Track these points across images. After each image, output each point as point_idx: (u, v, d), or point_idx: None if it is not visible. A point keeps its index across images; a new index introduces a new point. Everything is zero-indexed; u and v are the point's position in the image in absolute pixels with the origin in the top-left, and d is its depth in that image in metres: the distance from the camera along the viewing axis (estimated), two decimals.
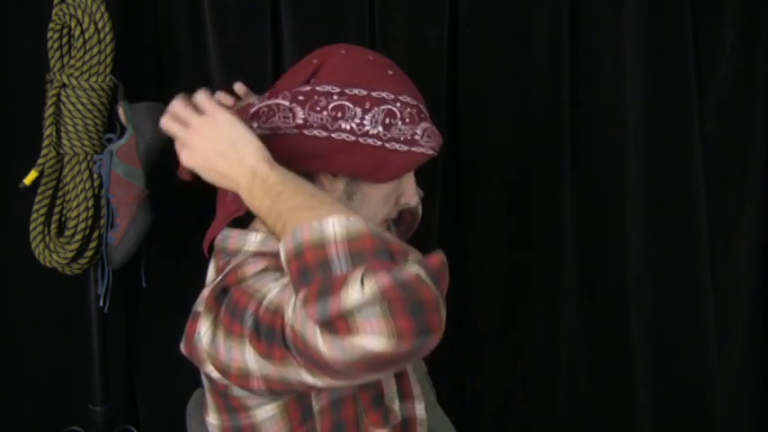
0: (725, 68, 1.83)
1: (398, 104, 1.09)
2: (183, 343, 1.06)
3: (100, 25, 1.52)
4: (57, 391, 1.79)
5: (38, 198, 1.58)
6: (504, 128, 1.78)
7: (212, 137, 1.00)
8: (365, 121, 1.07)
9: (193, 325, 1.03)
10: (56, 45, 1.55)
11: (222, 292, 1.00)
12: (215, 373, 1.01)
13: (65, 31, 1.55)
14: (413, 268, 0.84)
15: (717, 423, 1.89)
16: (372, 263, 0.85)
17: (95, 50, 1.53)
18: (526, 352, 1.86)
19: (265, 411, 1.05)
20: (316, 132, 1.07)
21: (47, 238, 1.59)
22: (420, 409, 1.11)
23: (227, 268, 1.06)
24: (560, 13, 1.75)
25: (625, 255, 1.82)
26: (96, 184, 1.58)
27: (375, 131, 1.08)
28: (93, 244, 1.61)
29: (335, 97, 1.07)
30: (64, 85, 1.54)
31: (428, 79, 1.71)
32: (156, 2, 1.72)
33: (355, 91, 1.08)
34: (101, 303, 1.65)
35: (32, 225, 1.59)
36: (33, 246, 1.59)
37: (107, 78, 1.56)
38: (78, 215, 1.57)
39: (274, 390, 0.96)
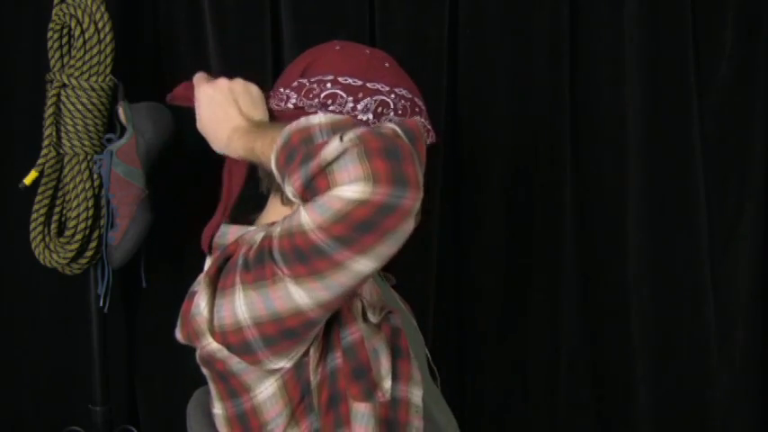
0: (725, 68, 1.83)
1: (393, 96, 1.09)
2: (179, 327, 1.07)
3: (100, 25, 1.52)
4: (57, 391, 1.79)
5: (38, 198, 1.58)
6: (504, 128, 1.78)
7: (215, 94, 1.07)
8: (357, 109, 1.07)
9: (189, 303, 1.05)
10: (56, 45, 1.55)
11: (225, 262, 1.01)
12: (214, 344, 1.01)
13: (65, 31, 1.55)
14: (389, 125, 0.87)
15: (717, 423, 1.89)
16: (352, 128, 0.88)
17: (95, 50, 1.53)
18: (526, 352, 1.86)
19: (265, 389, 1.04)
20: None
21: (47, 238, 1.59)
22: (416, 395, 1.09)
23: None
24: (560, 13, 1.75)
25: (625, 255, 1.83)
26: (96, 184, 1.58)
27: (365, 118, 1.07)
28: (93, 244, 1.61)
29: (329, 86, 1.07)
30: (64, 85, 1.54)
31: (428, 79, 1.71)
32: (156, 2, 1.72)
33: (350, 81, 1.08)
34: (101, 303, 1.65)
35: (32, 225, 1.59)
36: (33, 246, 1.59)
37: (107, 78, 1.56)
38: (78, 215, 1.57)
39: (267, 335, 0.96)
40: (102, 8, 1.53)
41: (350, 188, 0.82)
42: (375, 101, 1.08)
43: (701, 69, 1.81)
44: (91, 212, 1.58)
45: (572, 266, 1.82)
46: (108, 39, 1.53)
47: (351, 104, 1.07)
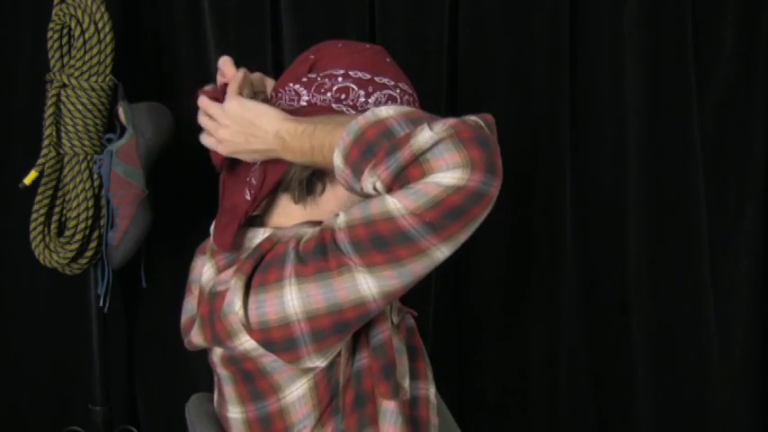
0: (725, 68, 1.83)
1: (398, 91, 1.10)
2: (200, 329, 1.04)
3: (100, 25, 1.52)
4: (57, 391, 1.79)
5: (38, 198, 1.58)
6: (504, 128, 1.77)
7: (233, 124, 1.05)
8: (368, 103, 1.07)
9: (215, 303, 1.01)
10: (56, 45, 1.55)
11: (260, 260, 1.00)
12: (250, 342, 0.98)
13: (65, 31, 1.55)
14: (471, 117, 0.90)
15: (717, 423, 1.89)
16: (431, 119, 0.90)
17: (95, 50, 1.53)
18: (526, 352, 1.86)
19: (296, 389, 1.03)
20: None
21: (47, 238, 1.59)
22: (432, 392, 1.11)
23: (253, 250, 1.04)
24: (560, 13, 1.75)
25: (625, 255, 1.83)
26: (96, 184, 1.58)
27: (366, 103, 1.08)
28: (93, 244, 1.61)
29: (340, 79, 1.07)
30: (64, 85, 1.54)
31: (428, 79, 1.71)
32: (156, 2, 1.72)
33: (359, 74, 1.08)
34: (101, 303, 1.65)
35: (32, 225, 1.59)
36: (33, 246, 1.59)
37: (107, 78, 1.56)
38: (78, 215, 1.57)
39: (319, 328, 0.95)
40: (102, 8, 1.53)
41: (447, 174, 0.85)
42: (384, 95, 1.08)
43: (701, 69, 1.81)
44: (91, 212, 1.58)
45: (572, 266, 1.82)
46: (108, 39, 1.54)
47: (363, 98, 1.07)
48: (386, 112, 0.92)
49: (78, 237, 1.58)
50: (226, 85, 1.11)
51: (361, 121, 0.92)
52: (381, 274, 0.91)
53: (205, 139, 1.10)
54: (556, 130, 1.78)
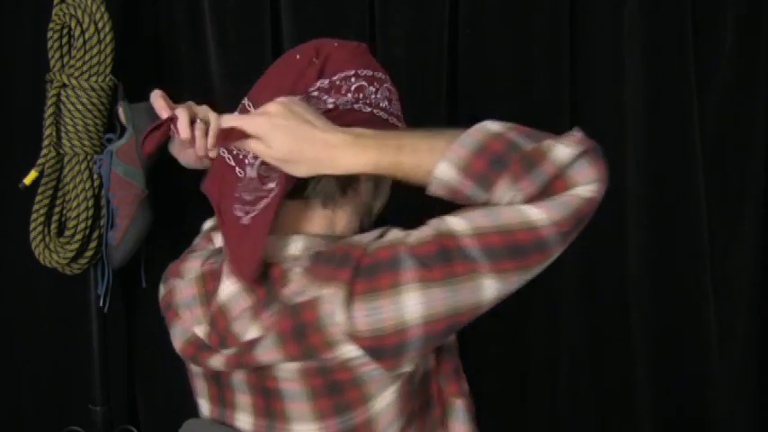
0: (725, 68, 1.83)
1: (389, 83, 1.13)
2: (276, 345, 0.99)
3: (100, 25, 1.53)
4: (57, 391, 1.79)
5: (38, 198, 1.58)
6: None
7: (280, 134, 0.99)
8: (377, 98, 1.10)
9: (305, 314, 0.97)
10: (56, 45, 1.55)
11: (358, 266, 0.97)
12: (352, 352, 0.96)
13: (65, 31, 1.55)
14: (575, 131, 0.99)
15: (717, 423, 1.89)
16: (546, 135, 0.98)
17: (95, 50, 1.53)
18: (526, 352, 1.86)
19: (386, 397, 1.02)
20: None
21: (47, 238, 1.59)
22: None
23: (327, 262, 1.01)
24: (560, 13, 1.75)
25: (625, 254, 1.82)
26: (96, 184, 1.58)
27: (383, 105, 1.11)
28: (93, 244, 1.61)
29: (353, 80, 1.09)
30: (64, 85, 1.54)
31: (428, 79, 1.71)
32: (156, 2, 1.72)
33: (365, 72, 1.10)
34: (101, 303, 1.65)
35: (32, 225, 1.59)
36: (33, 246, 1.59)
37: (107, 78, 1.56)
38: (78, 215, 1.57)
39: (433, 332, 0.97)
40: (102, 8, 1.53)
41: (586, 188, 0.95)
42: (385, 89, 1.12)
43: (701, 69, 1.81)
44: (91, 212, 1.58)
45: (572, 266, 1.82)
46: (108, 39, 1.54)
47: (373, 95, 1.09)
48: (495, 125, 0.98)
49: (78, 237, 1.58)
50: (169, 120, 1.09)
51: (477, 134, 0.97)
52: (508, 279, 0.96)
53: (253, 145, 1.01)
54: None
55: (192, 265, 1.16)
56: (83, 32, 1.52)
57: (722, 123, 1.85)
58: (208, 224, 1.33)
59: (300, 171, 1.01)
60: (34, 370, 1.79)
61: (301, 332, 0.98)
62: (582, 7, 1.76)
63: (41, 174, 1.58)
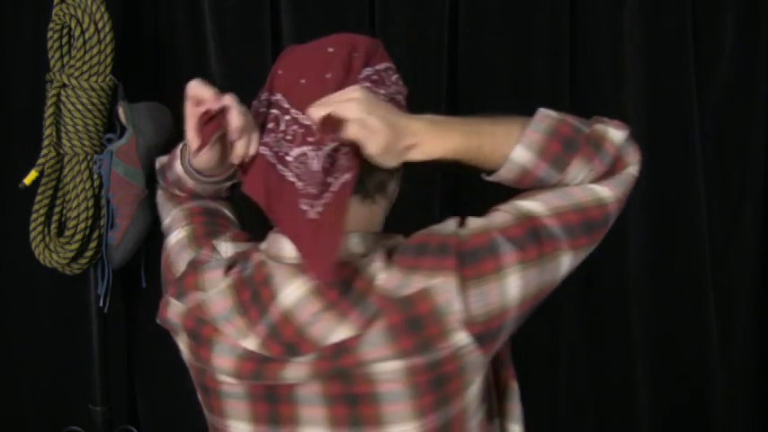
0: (725, 68, 1.83)
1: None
2: (387, 341, 0.96)
3: (100, 25, 1.53)
4: (57, 391, 1.79)
5: (38, 198, 1.59)
6: None
7: (379, 111, 0.97)
8: (399, 84, 1.12)
9: (419, 306, 0.96)
10: (56, 45, 1.55)
11: (460, 253, 0.98)
12: (464, 340, 0.97)
13: (65, 31, 1.55)
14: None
15: (717, 423, 1.89)
16: (591, 120, 1.08)
17: (95, 50, 1.53)
18: (526, 352, 1.85)
19: (476, 385, 1.04)
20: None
21: (47, 238, 1.59)
22: None
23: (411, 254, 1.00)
24: (560, 14, 1.75)
25: (625, 254, 1.82)
26: (96, 184, 1.58)
27: (405, 91, 1.12)
28: (93, 244, 1.61)
29: (390, 72, 1.09)
30: (64, 85, 1.54)
31: (428, 79, 1.71)
32: (156, 2, 1.72)
33: (393, 64, 1.12)
34: (101, 303, 1.65)
35: (32, 225, 1.59)
36: (33, 246, 1.59)
37: (107, 78, 1.56)
38: (78, 215, 1.57)
39: (524, 312, 1.02)
40: (102, 8, 1.53)
41: (635, 167, 1.07)
42: (398, 77, 1.12)
43: (701, 69, 1.81)
44: (91, 212, 1.58)
45: None
46: (108, 39, 1.54)
47: (402, 86, 1.11)
48: (553, 112, 1.05)
49: (78, 237, 1.58)
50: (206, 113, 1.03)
51: (546, 119, 1.03)
52: (579, 255, 1.04)
53: (354, 130, 0.97)
54: None
55: (213, 276, 1.07)
56: (83, 32, 1.52)
57: (722, 123, 1.85)
58: (181, 234, 1.21)
59: (389, 160, 1.00)
60: (34, 370, 1.79)
61: (416, 324, 0.96)
62: (582, 7, 1.76)
63: (41, 174, 1.58)
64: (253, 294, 1.03)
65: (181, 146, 1.23)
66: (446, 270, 0.97)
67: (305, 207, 1.00)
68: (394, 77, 1.09)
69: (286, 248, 1.04)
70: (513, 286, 0.98)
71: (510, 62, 1.76)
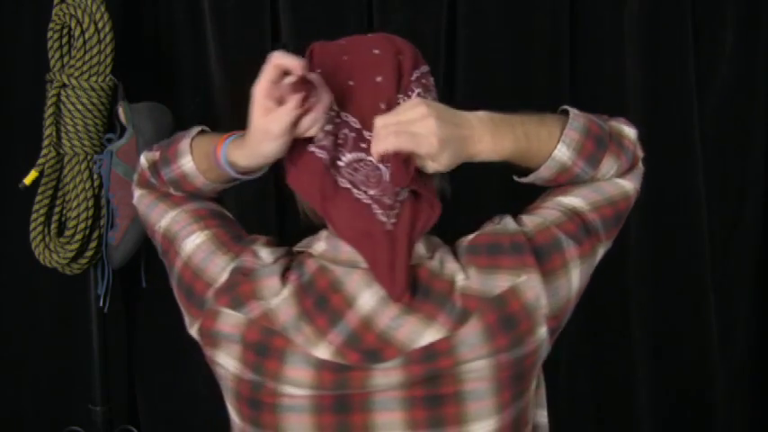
0: (725, 68, 1.83)
1: None
2: (485, 340, 0.97)
3: (100, 25, 1.53)
4: (57, 391, 1.79)
5: (38, 198, 1.59)
6: None
7: (436, 111, 0.97)
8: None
9: (512, 304, 0.98)
10: (56, 45, 1.55)
11: (534, 251, 1.01)
12: (543, 334, 1.01)
13: (65, 31, 1.55)
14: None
15: (717, 423, 1.89)
16: (604, 117, 1.13)
17: (95, 50, 1.53)
18: None
19: (539, 375, 1.09)
20: None
21: (47, 238, 1.59)
22: None
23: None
24: (560, 14, 1.75)
25: (625, 253, 1.82)
26: (96, 184, 1.58)
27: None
28: (93, 244, 1.61)
29: (429, 76, 1.08)
30: (64, 85, 1.54)
31: None
32: (156, 2, 1.72)
33: (426, 65, 1.09)
34: (101, 303, 1.65)
35: (32, 225, 1.59)
36: (33, 246, 1.59)
37: (107, 78, 1.56)
38: (78, 215, 1.57)
39: (576, 303, 1.07)
40: (102, 8, 1.53)
41: (642, 163, 1.14)
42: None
43: (701, 69, 1.81)
44: (91, 212, 1.58)
45: None
46: (108, 39, 1.54)
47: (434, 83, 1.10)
48: (575, 109, 1.08)
49: (78, 237, 1.58)
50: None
51: (580, 119, 1.06)
52: (609, 244, 1.10)
53: (402, 141, 0.95)
54: None
55: (270, 284, 1.01)
56: (83, 32, 1.52)
57: (722, 123, 1.85)
58: (199, 239, 1.10)
59: (443, 165, 0.99)
60: (34, 370, 1.79)
61: (510, 321, 0.98)
62: (582, 7, 1.76)
63: (41, 174, 1.58)
64: (318, 301, 0.99)
65: (190, 140, 1.12)
66: (528, 267, 1.00)
67: (383, 218, 0.99)
68: (432, 80, 1.08)
69: (347, 252, 1.01)
70: (575, 280, 1.04)
71: (510, 62, 1.76)
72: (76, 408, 1.76)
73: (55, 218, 1.60)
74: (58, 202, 1.60)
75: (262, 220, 1.71)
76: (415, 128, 0.95)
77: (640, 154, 1.13)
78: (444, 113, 0.98)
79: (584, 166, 1.07)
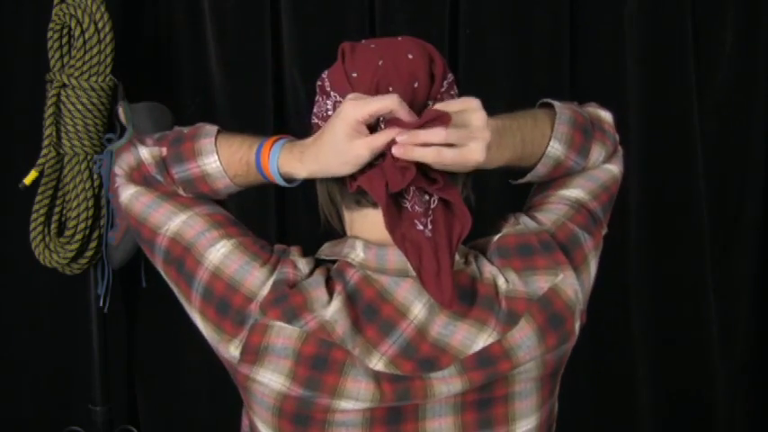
0: (725, 68, 1.83)
1: None
2: (538, 341, 0.98)
3: (100, 25, 1.53)
4: (57, 391, 1.79)
5: (38, 198, 1.59)
6: None
7: (486, 131, 0.95)
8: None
9: (556, 303, 1.00)
10: (56, 45, 1.55)
11: (563, 249, 1.04)
12: (577, 329, 1.03)
13: (65, 31, 1.55)
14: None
15: (717, 423, 1.89)
16: (575, 103, 1.14)
17: (95, 50, 1.53)
18: None
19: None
20: None
21: (47, 238, 1.59)
22: None
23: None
24: (560, 13, 1.75)
25: (625, 253, 1.82)
26: (96, 184, 1.58)
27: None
28: (93, 244, 1.61)
29: (455, 85, 1.06)
30: (64, 85, 1.54)
31: None
32: (156, 2, 1.72)
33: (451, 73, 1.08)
34: (101, 303, 1.65)
35: (32, 225, 1.59)
36: (33, 246, 1.59)
37: (107, 78, 1.56)
38: (78, 215, 1.57)
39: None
40: (102, 8, 1.53)
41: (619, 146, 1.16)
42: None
43: (701, 69, 1.81)
44: (91, 212, 1.58)
45: None
46: (108, 39, 1.54)
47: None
48: (556, 101, 1.10)
49: (78, 237, 1.58)
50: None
51: (566, 111, 1.08)
52: (606, 229, 1.11)
53: (468, 153, 0.93)
54: None
55: (319, 295, 0.97)
56: (83, 32, 1.52)
57: (722, 123, 1.85)
58: (226, 248, 1.03)
59: (467, 166, 0.97)
60: (34, 370, 1.79)
61: (558, 320, 1.00)
62: (582, 7, 1.76)
63: (41, 174, 1.58)
64: (366, 311, 0.97)
65: (214, 139, 1.06)
66: (562, 265, 1.02)
67: (420, 227, 0.96)
68: (456, 89, 1.05)
69: (395, 261, 0.99)
70: (593, 271, 1.08)
71: (510, 62, 1.76)
72: (76, 408, 1.76)
73: (55, 218, 1.60)
74: (58, 202, 1.60)
75: (262, 222, 1.71)
76: (469, 141, 0.92)
77: (617, 137, 1.15)
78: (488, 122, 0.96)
79: (576, 158, 1.09)
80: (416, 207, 0.96)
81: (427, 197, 0.97)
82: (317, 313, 0.96)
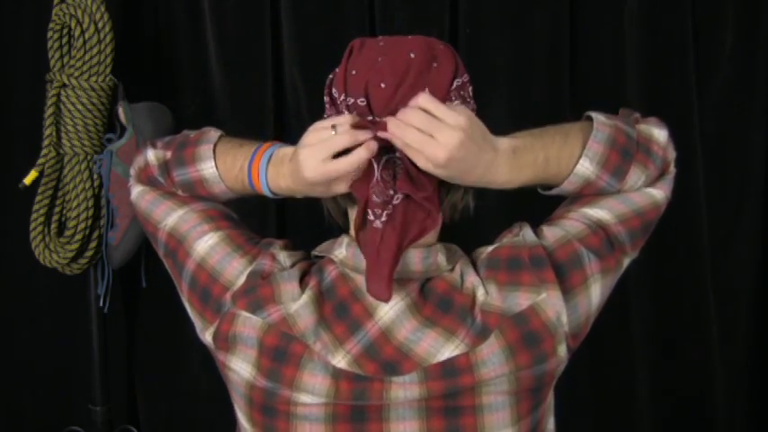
0: (725, 68, 1.83)
1: None
2: (506, 359, 0.96)
3: (100, 25, 1.53)
4: (57, 391, 1.79)
5: (38, 198, 1.59)
6: (504, 128, 1.78)
7: (468, 128, 0.93)
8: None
9: (533, 322, 0.97)
10: (56, 45, 1.55)
11: (554, 266, 1.00)
12: (563, 352, 1.00)
13: (65, 31, 1.55)
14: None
15: (717, 423, 1.89)
16: (632, 118, 1.10)
17: (95, 50, 1.53)
18: None
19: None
20: None
21: (47, 238, 1.59)
22: None
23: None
24: (560, 13, 1.75)
25: None
26: (96, 184, 1.58)
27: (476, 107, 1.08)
28: (93, 244, 1.61)
29: (469, 86, 1.05)
30: (64, 85, 1.54)
31: None
32: (156, 2, 1.72)
33: (466, 73, 1.06)
34: (101, 303, 1.65)
35: (32, 225, 1.59)
36: (33, 246, 1.59)
37: (107, 78, 1.56)
38: (78, 215, 1.57)
39: (595, 318, 1.06)
40: (102, 8, 1.53)
41: (674, 164, 1.10)
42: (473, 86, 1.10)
43: (701, 69, 1.81)
44: (91, 212, 1.58)
45: None
46: (108, 39, 1.54)
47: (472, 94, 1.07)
48: (602, 116, 1.04)
49: (78, 237, 1.58)
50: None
51: (605, 129, 1.03)
52: (636, 254, 1.07)
53: (426, 146, 0.91)
54: None
55: (290, 288, 0.99)
56: (83, 32, 1.52)
57: (722, 123, 1.85)
58: (212, 240, 1.08)
59: (441, 175, 0.96)
60: (34, 370, 1.79)
61: (533, 339, 0.97)
62: (582, 7, 1.76)
63: (41, 174, 1.58)
64: (337, 308, 0.98)
65: (212, 146, 1.09)
66: (548, 284, 0.98)
67: (370, 216, 0.96)
68: (470, 90, 1.05)
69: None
70: (594, 295, 1.02)
71: (510, 62, 1.76)
72: (76, 408, 1.76)
73: (55, 218, 1.60)
74: (58, 202, 1.60)
75: (262, 222, 1.71)
76: (439, 133, 0.91)
77: (672, 156, 1.10)
78: (476, 136, 0.94)
79: (609, 179, 1.03)
80: (375, 197, 0.96)
81: (391, 192, 0.96)
82: (283, 306, 0.98)
